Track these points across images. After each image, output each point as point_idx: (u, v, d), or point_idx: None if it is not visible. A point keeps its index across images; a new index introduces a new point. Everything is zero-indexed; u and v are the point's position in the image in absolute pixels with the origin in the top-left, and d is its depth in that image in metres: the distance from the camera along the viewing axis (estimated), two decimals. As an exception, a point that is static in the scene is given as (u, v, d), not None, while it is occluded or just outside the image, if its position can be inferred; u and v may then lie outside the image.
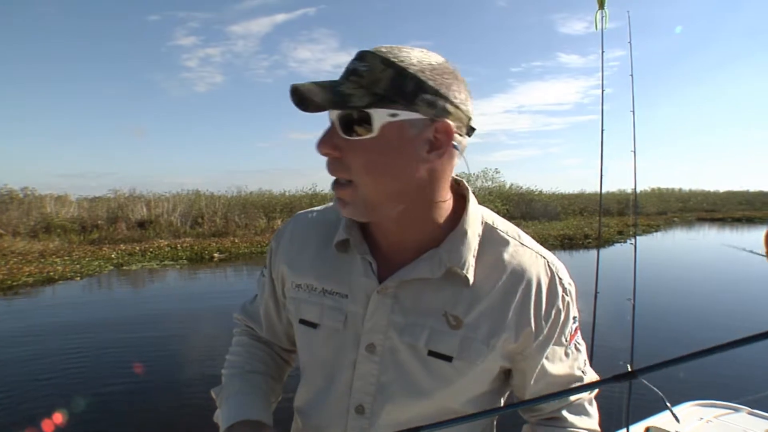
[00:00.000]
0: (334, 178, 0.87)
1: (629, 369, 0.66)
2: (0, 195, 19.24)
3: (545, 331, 0.93)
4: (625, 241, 17.80)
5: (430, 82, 0.81)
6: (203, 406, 4.76)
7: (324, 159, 0.86)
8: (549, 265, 0.96)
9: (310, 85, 0.79)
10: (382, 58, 0.81)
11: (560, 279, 0.96)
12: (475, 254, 0.92)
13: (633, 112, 3.65)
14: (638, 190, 3.69)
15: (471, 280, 0.91)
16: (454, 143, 0.86)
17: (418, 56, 0.83)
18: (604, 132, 3.57)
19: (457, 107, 0.85)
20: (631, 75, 3.66)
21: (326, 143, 0.83)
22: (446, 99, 0.83)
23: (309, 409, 1.04)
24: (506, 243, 0.96)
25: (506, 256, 0.94)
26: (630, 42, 3.68)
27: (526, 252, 0.96)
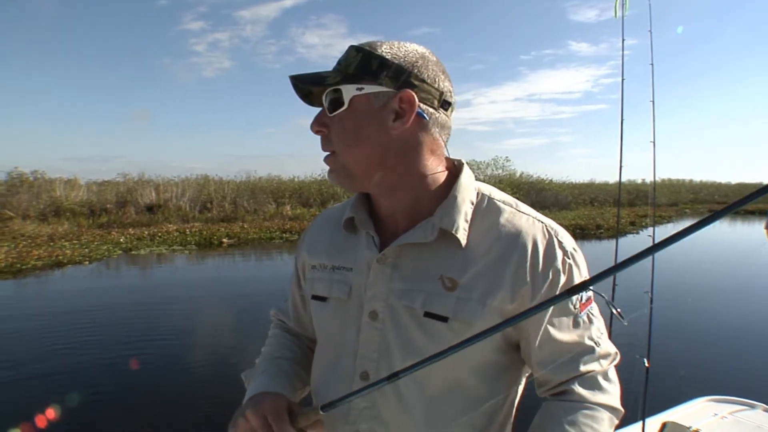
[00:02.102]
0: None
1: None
2: (10, 178, 19.32)
3: (543, 291, 0.92)
4: (637, 232, 17.68)
5: (394, 60, 0.92)
6: (210, 388, 4.82)
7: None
8: (547, 228, 0.97)
9: (301, 74, 0.95)
10: (356, 47, 0.94)
11: (560, 242, 0.96)
12: (468, 219, 0.97)
13: (653, 102, 3.57)
14: (650, 180, 3.62)
15: (463, 242, 0.95)
16: (420, 111, 0.92)
17: (395, 45, 0.95)
18: (623, 122, 3.50)
19: (422, 81, 0.93)
20: (651, 64, 3.60)
21: (316, 122, 0.97)
22: (410, 74, 0.92)
23: (320, 381, 1.08)
24: (502, 210, 0.99)
25: (502, 220, 0.97)
26: (650, 31, 3.62)
27: (523, 217, 0.98)
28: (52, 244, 13.41)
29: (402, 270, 0.97)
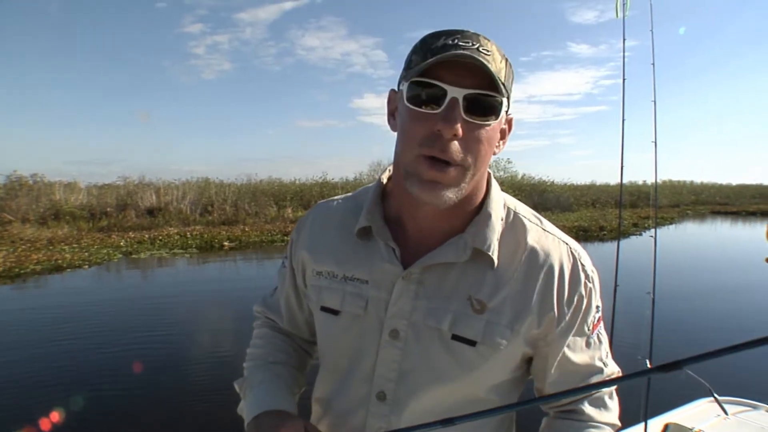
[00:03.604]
0: (429, 156, 0.83)
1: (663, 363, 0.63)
2: (9, 182, 19.31)
3: (567, 317, 0.93)
4: (640, 234, 17.66)
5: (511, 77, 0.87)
6: (211, 396, 4.77)
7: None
8: (571, 251, 0.96)
9: (476, 59, 0.78)
10: (497, 47, 0.83)
11: (583, 265, 0.95)
12: (499, 236, 0.93)
13: (654, 101, 3.56)
14: (651, 182, 3.60)
15: (495, 262, 0.91)
16: None
17: None
18: (624, 122, 3.49)
19: None
20: (653, 63, 3.62)
21: (458, 123, 0.80)
22: None
23: (330, 396, 1.03)
24: (529, 228, 0.96)
25: (529, 240, 0.94)
26: (651, 30, 3.65)
27: (549, 237, 0.96)
28: (51, 247, 13.38)
29: (427, 287, 0.93)
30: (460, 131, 0.80)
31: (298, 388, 1.11)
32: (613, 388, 1.02)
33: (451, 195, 0.85)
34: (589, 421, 0.97)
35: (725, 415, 3.17)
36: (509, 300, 0.91)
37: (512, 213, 0.98)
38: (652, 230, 3.54)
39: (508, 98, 0.84)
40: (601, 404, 0.99)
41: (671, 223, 24.49)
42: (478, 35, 0.82)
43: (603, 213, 24.24)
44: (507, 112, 0.88)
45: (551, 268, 0.92)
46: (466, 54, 0.77)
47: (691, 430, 2.95)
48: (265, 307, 1.21)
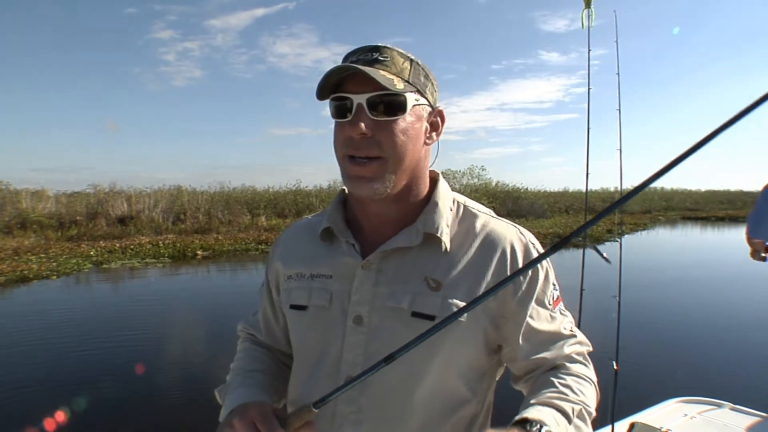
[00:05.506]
0: (350, 156, 0.95)
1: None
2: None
3: (524, 287, 0.99)
4: (615, 240, 17.94)
5: (431, 77, 1.01)
6: (183, 411, 4.69)
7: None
8: (521, 232, 1.05)
9: (357, 67, 0.90)
10: (398, 52, 0.96)
11: (533, 244, 1.04)
12: (449, 223, 1.02)
13: (619, 110, 3.65)
14: (621, 188, 3.70)
15: (447, 245, 0.99)
16: None
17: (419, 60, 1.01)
18: (590, 130, 3.55)
19: (437, 100, 1.04)
20: (618, 74, 3.71)
21: (361, 123, 0.92)
22: (436, 92, 1.04)
23: (301, 390, 1.07)
24: (478, 216, 1.06)
25: (479, 225, 1.04)
26: (617, 41, 3.79)
27: (498, 222, 1.05)
28: (17, 258, 13.05)
29: (386, 274, 1.00)
30: (364, 129, 0.92)
31: (277, 397, 1.14)
32: (584, 348, 1.06)
33: (377, 186, 0.95)
34: (568, 371, 1.01)
35: (690, 414, 3.23)
36: (465, 276, 0.98)
37: (462, 205, 1.08)
38: (625, 236, 3.60)
39: (421, 92, 0.98)
40: (578, 362, 1.04)
41: (644, 229, 24.89)
42: (380, 46, 0.96)
43: (577, 219, 24.54)
44: (431, 104, 1.01)
45: (503, 247, 1.00)
46: (351, 66, 0.90)
47: (659, 430, 3.01)
48: (247, 324, 1.28)
